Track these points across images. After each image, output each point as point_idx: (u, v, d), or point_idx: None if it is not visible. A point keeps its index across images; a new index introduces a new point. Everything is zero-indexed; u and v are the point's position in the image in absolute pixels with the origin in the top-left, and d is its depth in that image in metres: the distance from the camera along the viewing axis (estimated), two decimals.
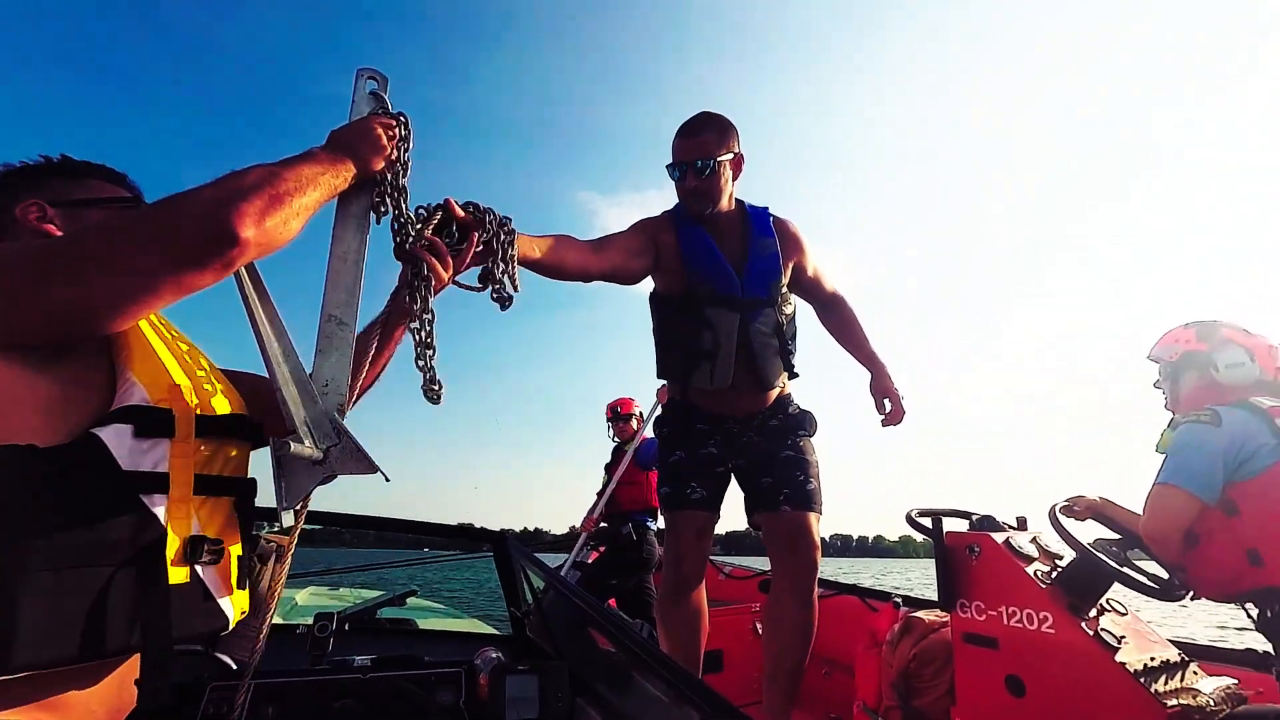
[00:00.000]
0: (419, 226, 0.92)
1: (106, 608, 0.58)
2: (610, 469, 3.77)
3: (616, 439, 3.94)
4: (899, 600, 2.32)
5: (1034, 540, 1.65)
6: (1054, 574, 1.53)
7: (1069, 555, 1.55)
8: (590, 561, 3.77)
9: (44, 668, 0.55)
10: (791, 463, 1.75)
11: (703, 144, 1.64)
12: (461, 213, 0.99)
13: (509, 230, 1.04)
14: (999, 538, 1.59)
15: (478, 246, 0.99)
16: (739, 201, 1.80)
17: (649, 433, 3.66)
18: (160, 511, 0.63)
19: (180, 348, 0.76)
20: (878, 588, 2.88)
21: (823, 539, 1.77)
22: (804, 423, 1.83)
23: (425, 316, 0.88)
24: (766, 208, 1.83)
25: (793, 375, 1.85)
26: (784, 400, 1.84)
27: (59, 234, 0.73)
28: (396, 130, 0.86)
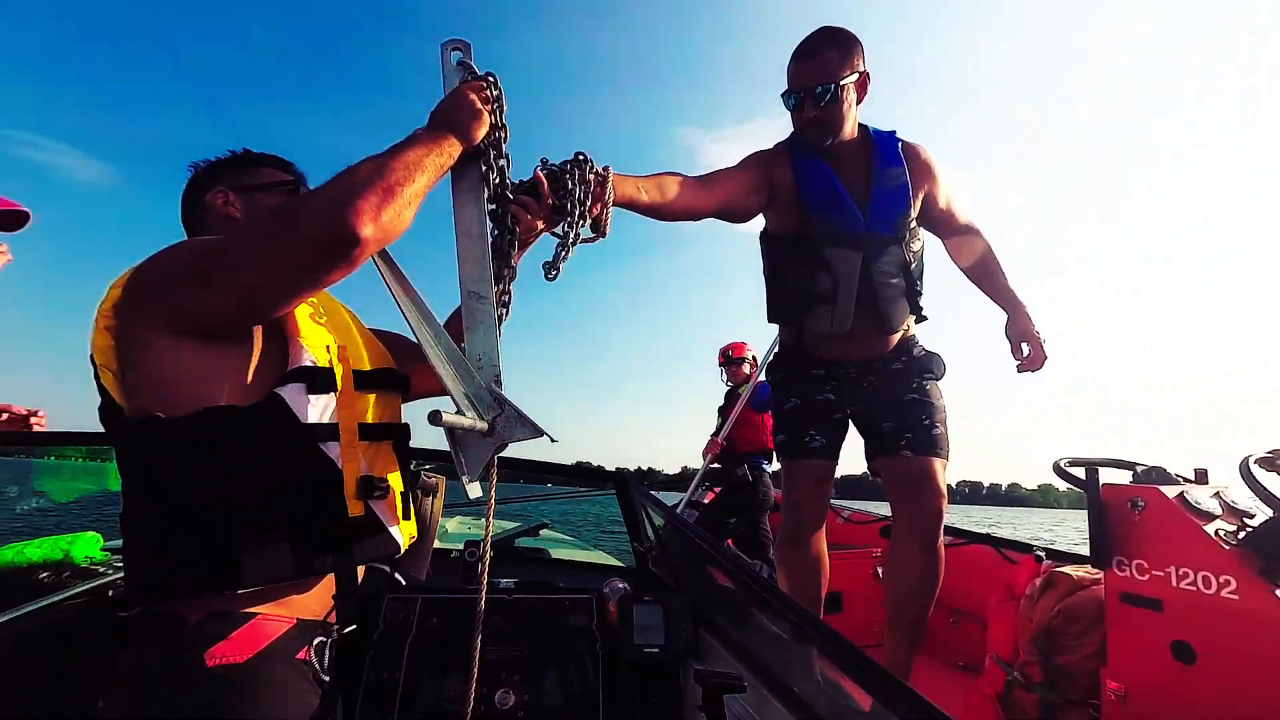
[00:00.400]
0: (510, 191, 0.95)
1: (306, 537, 0.70)
2: (724, 412, 3.80)
3: (729, 383, 3.94)
4: (1041, 553, 2.15)
5: (1217, 495, 1.44)
6: (1242, 534, 1.33)
7: (1263, 515, 1.34)
8: (706, 502, 3.88)
9: (267, 584, 0.68)
10: (916, 406, 1.64)
11: (823, 64, 1.48)
12: (544, 177, 1.01)
13: (589, 177, 1.04)
14: (1170, 491, 1.41)
15: (551, 199, 1.00)
16: (862, 127, 1.63)
17: (764, 376, 3.62)
18: (335, 456, 0.74)
19: (337, 313, 0.86)
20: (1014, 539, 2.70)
21: (949, 486, 1.67)
22: (930, 365, 1.69)
23: (505, 271, 0.93)
24: (894, 132, 1.64)
25: (920, 318, 1.71)
26: (908, 342, 1.71)
27: (239, 216, 0.85)
28: (489, 91, 0.87)
